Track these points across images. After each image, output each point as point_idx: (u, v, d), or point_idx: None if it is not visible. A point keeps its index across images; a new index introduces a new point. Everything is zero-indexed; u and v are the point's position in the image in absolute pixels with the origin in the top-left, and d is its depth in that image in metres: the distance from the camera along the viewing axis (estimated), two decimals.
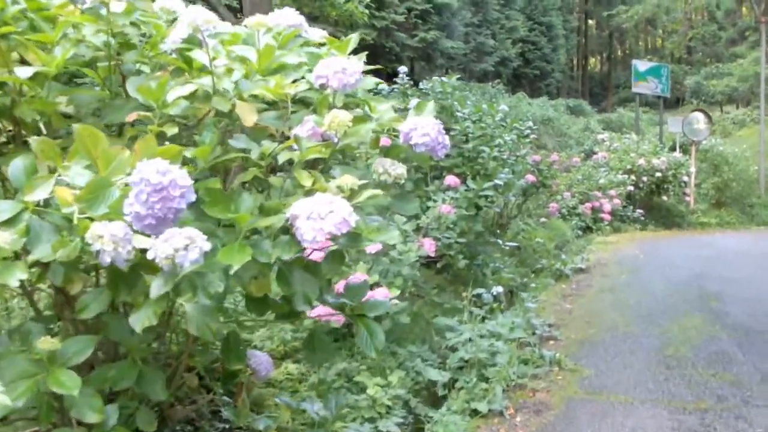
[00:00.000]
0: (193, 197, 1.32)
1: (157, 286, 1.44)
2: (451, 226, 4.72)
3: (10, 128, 1.79)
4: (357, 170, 1.86)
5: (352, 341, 3.39)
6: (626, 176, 11.65)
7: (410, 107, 1.98)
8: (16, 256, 1.43)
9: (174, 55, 1.82)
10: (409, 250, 3.97)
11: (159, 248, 1.38)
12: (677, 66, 32.22)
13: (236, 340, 1.92)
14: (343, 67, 1.75)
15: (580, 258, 7.44)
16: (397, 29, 16.61)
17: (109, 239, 1.25)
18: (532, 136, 7.85)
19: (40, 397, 1.61)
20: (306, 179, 1.66)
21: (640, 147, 12.90)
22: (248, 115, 1.63)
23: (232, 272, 1.42)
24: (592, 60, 44.63)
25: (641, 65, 17.36)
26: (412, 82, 6.29)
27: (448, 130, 5.83)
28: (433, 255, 4.34)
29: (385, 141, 1.98)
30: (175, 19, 1.79)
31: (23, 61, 1.66)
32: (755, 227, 13.02)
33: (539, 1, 27.80)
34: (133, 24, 1.75)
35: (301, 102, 2.17)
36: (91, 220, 1.34)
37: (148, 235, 1.39)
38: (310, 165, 1.98)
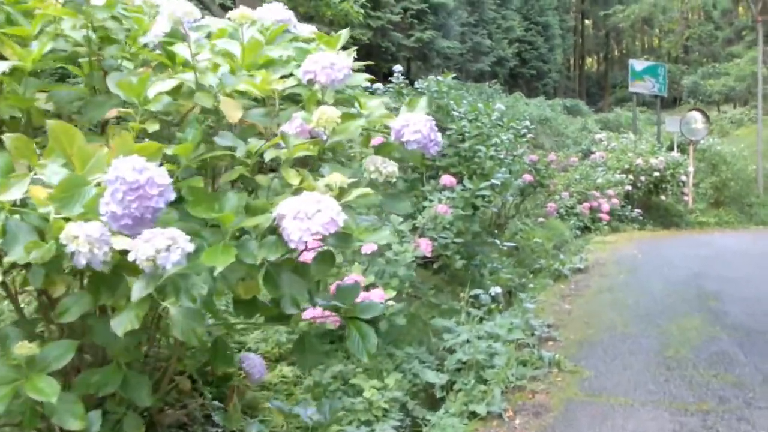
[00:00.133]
0: (172, 196, 1.27)
1: (138, 289, 1.38)
2: (448, 226, 4.67)
3: None
4: (347, 168, 1.81)
5: None
6: (624, 176, 11.62)
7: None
8: None
9: (158, 51, 1.77)
10: (405, 251, 3.91)
11: (140, 249, 1.33)
12: (674, 66, 32.23)
13: (224, 344, 1.87)
14: (331, 62, 1.69)
15: (579, 258, 7.39)
16: (393, 29, 16.59)
17: (84, 240, 1.19)
18: (529, 135, 7.81)
19: (24, 403, 1.56)
20: (293, 178, 1.60)
21: (638, 146, 12.87)
22: (233, 112, 1.57)
23: (215, 274, 1.37)
24: (588, 60, 44.64)
25: (638, 65, 17.35)
26: (407, 82, 6.24)
27: (444, 130, 5.82)
28: (429, 255, 4.29)
29: (379, 139, 1.92)
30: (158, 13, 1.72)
31: (0, 57, 1.60)
32: (754, 226, 12.99)
33: (536, 0, 27.80)
34: (114, 18, 1.69)
35: (291, 99, 2.12)
36: (69, 220, 1.28)
37: (130, 236, 1.33)
38: (302, 164, 1.93)
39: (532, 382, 3.57)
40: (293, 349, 1.82)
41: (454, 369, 3.51)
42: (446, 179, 4.99)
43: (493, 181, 5.45)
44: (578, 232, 9.70)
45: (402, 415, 3.10)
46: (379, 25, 16.04)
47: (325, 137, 1.72)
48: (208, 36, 1.86)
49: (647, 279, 6.56)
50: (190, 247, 1.37)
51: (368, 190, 1.60)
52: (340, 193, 1.62)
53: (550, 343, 4.33)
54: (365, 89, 6.13)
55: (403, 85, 6.08)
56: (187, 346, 1.81)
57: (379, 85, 6.44)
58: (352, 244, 1.64)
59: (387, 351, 3.57)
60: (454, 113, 5.87)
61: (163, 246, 1.34)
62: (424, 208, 4.77)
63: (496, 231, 6.70)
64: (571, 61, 40.59)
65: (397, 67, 6.16)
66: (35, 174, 1.37)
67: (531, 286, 5.92)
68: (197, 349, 2.10)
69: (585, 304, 5.49)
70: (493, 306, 4.60)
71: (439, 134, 1.87)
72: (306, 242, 1.44)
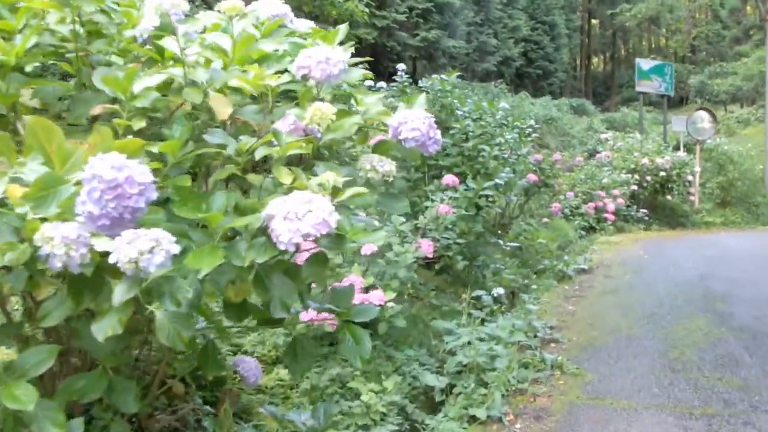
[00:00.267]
0: (154, 195, 1.21)
1: (120, 293, 1.33)
2: (450, 226, 4.60)
3: None
4: (343, 167, 1.76)
5: None
6: (630, 176, 11.51)
7: None
8: None
9: (149, 46, 1.71)
10: (406, 251, 3.86)
11: (121, 251, 1.28)
12: (681, 65, 32.06)
13: (215, 348, 1.81)
14: (326, 56, 1.64)
15: (583, 258, 7.31)
16: (399, 28, 16.51)
17: (59, 242, 1.14)
18: (534, 135, 7.74)
19: (5, 410, 1.51)
20: (286, 177, 1.55)
21: (644, 146, 12.76)
22: (222, 108, 1.52)
23: (200, 276, 1.31)
24: (595, 59, 44.46)
25: (645, 64, 17.21)
26: (411, 81, 6.18)
27: (447, 129, 5.76)
28: (431, 256, 4.23)
29: (381, 137, 1.87)
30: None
31: None
32: (761, 227, 12.87)
33: (542, 0, 27.66)
34: (103, 12, 1.64)
35: (288, 96, 2.07)
36: (46, 220, 1.23)
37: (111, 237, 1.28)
38: (299, 162, 1.88)
39: (533, 385, 3.51)
40: (285, 354, 1.77)
41: (455, 372, 3.45)
42: (448, 179, 4.93)
43: (497, 181, 5.38)
44: (583, 233, 9.61)
45: (401, 419, 3.05)
46: (385, 25, 15.96)
47: (319, 135, 1.67)
48: (204, 31, 1.81)
49: (653, 280, 6.48)
50: (175, 249, 1.32)
51: (362, 189, 1.55)
52: (335, 193, 1.57)
53: (553, 345, 4.26)
54: (369, 88, 6.10)
55: (406, 83, 6.02)
56: (174, 350, 1.75)
57: (382, 84, 6.39)
58: (347, 246, 1.58)
59: (386, 353, 3.52)
60: (458, 112, 5.81)
61: (146, 248, 1.28)
62: (426, 208, 4.71)
63: (499, 231, 6.64)
64: (578, 61, 40.40)
65: (401, 66, 6.10)
66: (15, 172, 1.32)
67: (534, 287, 5.84)
68: (188, 353, 2.05)
69: (589, 306, 5.42)
70: (495, 307, 4.54)
71: (439, 132, 1.81)
72: (297, 244, 1.39)
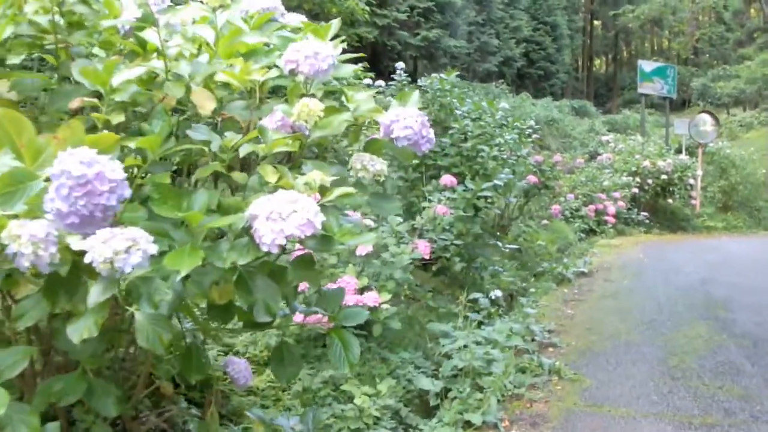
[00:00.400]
0: (127, 193, 1.15)
1: (95, 294, 1.27)
2: (448, 227, 4.54)
3: None
4: (333, 166, 1.69)
5: None
6: (631, 178, 11.45)
7: None
8: None
9: (132, 39, 1.65)
10: (402, 252, 3.79)
11: (96, 250, 1.22)
12: (684, 67, 31.99)
13: (198, 351, 1.75)
14: (315, 51, 1.58)
15: (583, 261, 7.26)
16: (400, 27, 16.44)
17: (27, 240, 1.08)
18: (534, 136, 7.68)
19: None
20: (271, 175, 1.49)
21: (646, 149, 12.70)
22: (205, 102, 1.46)
23: (178, 279, 1.26)
24: (597, 61, 44.38)
25: (647, 66, 17.12)
26: (410, 79, 6.12)
27: (446, 128, 5.69)
28: (428, 257, 4.17)
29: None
30: None
31: None
32: (763, 231, 12.80)
33: (544, 0, 27.58)
34: (84, 2, 1.58)
35: (279, 92, 2.00)
36: (16, 217, 1.17)
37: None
38: (288, 161, 1.82)
39: (530, 390, 3.45)
40: (270, 359, 1.71)
41: (450, 375, 3.39)
42: (446, 179, 4.87)
43: (496, 182, 5.32)
44: (583, 235, 9.55)
45: (394, 423, 2.99)
46: (385, 24, 15.89)
47: (307, 132, 1.61)
48: (194, 23, 1.75)
49: (653, 284, 6.42)
50: (153, 249, 1.26)
51: (350, 189, 1.48)
52: (324, 193, 1.51)
53: (551, 349, 4.20)
54: (368, 86, 5.99)
55: (405, 82, 5.96)
56: (153, 354, 1.69)
57: (380, 82, 6.33)
58: (334, 248, 1.52)
59: (381, 355, 3.46)
60: (457, 112, 5.74)
61: (121, 247, 1.22)
62: (423, 208, 4.65)
63: (498, 233, 6.57)
64: (580, 62, 40.31)
65: (399, 64, 6.04)
66: None
67: (533, 290, 5.78)
68: (173, 355, 1.99)
69: (588, 310, 5.36)
70: (493, 310, 4.48)
71: (432, 131, 1.75)
72: (280, 245, 1.33)
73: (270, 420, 2.10)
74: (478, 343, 3.65)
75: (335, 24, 1.93)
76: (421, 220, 4.44)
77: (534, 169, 7.38)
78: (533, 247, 7.26)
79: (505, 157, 5.81)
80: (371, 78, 6.13)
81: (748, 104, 28.30)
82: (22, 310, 1.45)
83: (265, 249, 1.31)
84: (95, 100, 1.44)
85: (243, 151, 1.49)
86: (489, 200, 5.42)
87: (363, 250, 3.53)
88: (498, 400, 3.20)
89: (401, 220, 4.13)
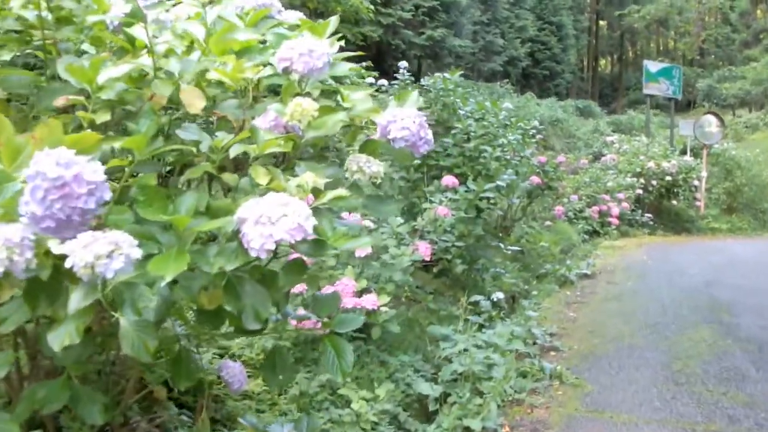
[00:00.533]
0: (107, 195, 1.10)
1: (76, 299, 1.23)
2: (449, 228, 4.48)
3: None
4: (328, 168, 1.64)
5: None
6: (635, 179, 11.36)
7: None
8: None
9: (122, 36, 1.60)
10: (403, 254, 3.74)
11: (77, 255, 1.17)
12: (689, 68, 31.81)
13: (188, 356, 1.71)
14: (309, 48, 1.52)
15: (586, 263, 7.19)
16: (404, 27, 16.37)
17: (1, 245, 1.03)
18: (538, 136, 7.61)
19: None
20: (262, 177, 1.44)
21: (650, 150, 12.60)
22: (194, 101, 1.41)
23: (162, 284, 1.21)
24: (602, 61, 44.21)
25: (653, 66, 17.02)
26: (413, 79, 6.06)
27: (449, 128, 5.63)
28: (428, 259, 4.11)
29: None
30: None
31: None
32: None
33: (549, 0, 27.47)
34: None
35: (275, 91, 1.95)
36: None
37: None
38: (283, 162, 1.77)
39: (531, 395, 3.39)
40: (262, 366, 1.66)
41: (450, 380, 3.34)
42: (448, 180, 4.81)
43: (499, 182, 5.26)
44: (586, 237, 9.48)
45: (393, 428, 2.94)
46: (390, 23, 15.82)
47: (300, 132, 1.56)
48: (189, 19, 1.70)
49: (656, 286, 6.36)
50: (137, 253, 1.21)
51: (344, 191, 1.43)
52: (317, 195, 1.46)
53: (553, 353, 4.14)
54: (370, 85, 5.93)
55: (408, 81, 5.90)
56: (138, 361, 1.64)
57: (384, 82, 6.28)
58: (327, 252, 1.47)
59: (380, 358, 3.41)
60: (460, 112, 5.68)
61: (103, 252, 1.17)
62: (424, 209, 4.60)
63: (501, 234, 6.52)
64: (585, 62, 40.18)
65: (403, 64, 5.98)
66: None
67: (535, 292, 5.72)
68: (165, 359, 1.94)
69: (591, 312, 5.30)
70: (494, 312, 4.42)
71: (430, 132, 1.70)
72: (269, 251, 1.28)
73: (263, 427, 2.05)
74: (478, 347, 3.60)
75: (333, 21, 1.88)
76: (422, 222, 4.39)
77: (537, 170, 7.31)
78: (536, 249, 7.20)
79: (508, 157, 5.76)
80: (374, 77, 6.07)
81: (753, 105, 28.13)
82: (4, 314, 1.40)
83: (253, 254, 1.26)
84: (81, 98, 1.39)
85: (233, 152, 1.44)
86: (491, 201, 5.36)
87: (362, 251, 3.48)
88: (498, 406, 3.15)
89: (402, 221, 4.08)
